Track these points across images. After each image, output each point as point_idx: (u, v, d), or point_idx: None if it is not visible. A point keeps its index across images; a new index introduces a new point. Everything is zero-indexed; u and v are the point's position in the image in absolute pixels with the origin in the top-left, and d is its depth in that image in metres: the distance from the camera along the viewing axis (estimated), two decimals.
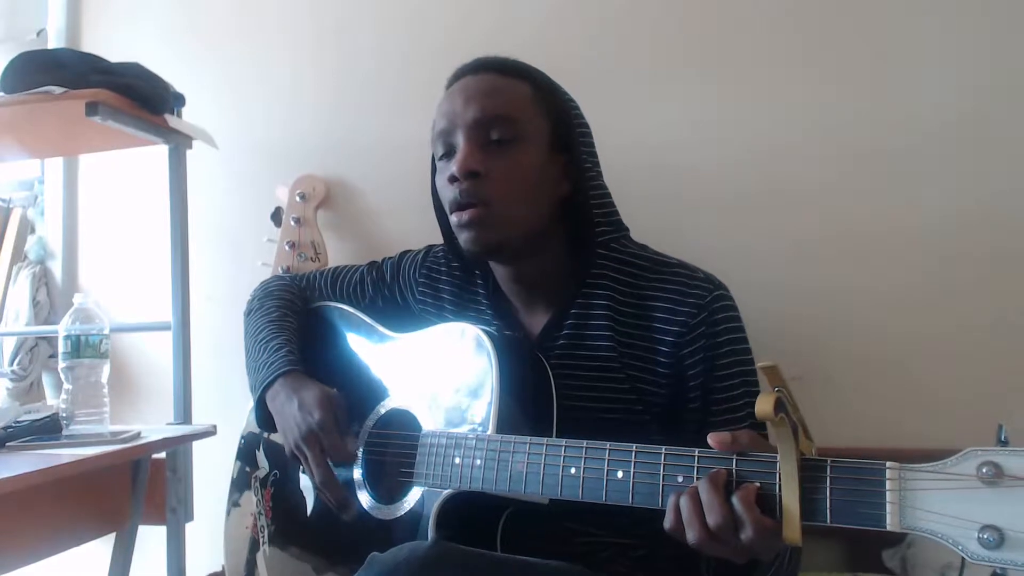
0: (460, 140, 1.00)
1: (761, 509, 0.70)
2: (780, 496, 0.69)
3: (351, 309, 1.22)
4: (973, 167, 1.45)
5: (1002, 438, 0.60)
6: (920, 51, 1.48)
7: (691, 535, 0.72)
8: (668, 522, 0.75)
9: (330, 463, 1.01)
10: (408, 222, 1.73)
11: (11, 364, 1.90)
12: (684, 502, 0.73)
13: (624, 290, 1.01)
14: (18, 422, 1.34)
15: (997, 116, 1.44)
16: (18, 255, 2.04)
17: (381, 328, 1.15)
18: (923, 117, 1.47)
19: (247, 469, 1.23)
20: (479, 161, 0.98)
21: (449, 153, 1.02)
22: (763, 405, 0.64)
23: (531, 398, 0.95)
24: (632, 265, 1.02)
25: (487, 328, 1.01)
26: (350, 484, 1.06)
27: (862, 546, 1.42)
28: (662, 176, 1.60)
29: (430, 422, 1.00)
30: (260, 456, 1.22)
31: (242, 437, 1.27)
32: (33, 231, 2.06)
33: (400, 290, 1.22)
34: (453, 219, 1.01)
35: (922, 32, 1.48)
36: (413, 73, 1.77)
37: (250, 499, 1.21)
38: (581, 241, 1.04)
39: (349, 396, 1.08)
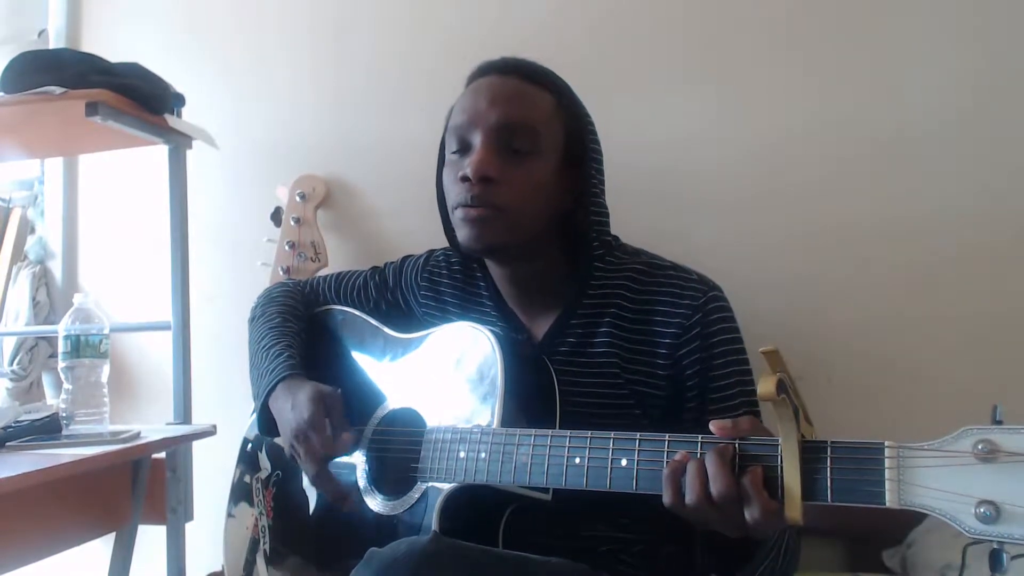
0: (477, 141, 1.00)
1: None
2: (782, 476, 0.70)
3: (356, 312, 1.23)
4: (973, 163, 1.46)
5: (997, 418, 0.61)
6: (919, 49, 1.49)
7: (690, 497, 0.73)
8: (667, 494, 0.75)
9: (323, 458, 1.01)
10: (408, 222, 1.73)
11: (11, 364, 1.90)
12: (690, 467, 0.74)
13: (631, 296, 1.02)
14: (18, 422, 1.34)
15: (996, 113, 1.45)
16: (18, 255, 2.04)
17: (386, 329, 1.16)
18: (923, 115, 1.48)
19: (246, 478, 1.23)
20: (494, 167, 0.98)
21: (463, 149, 1.02)
22: (765, 386, 0.66)
23: (535, 399, 0.96)
24: (633, 272, 1.03)
25: (493, 328, 1.01)
26: (354, 481, 1.06)
27: (862, 546, 1.42)
28: (662, 175, 1.60)
29: (435, 421, 1.00)
30: (262, 457, 1.22)
31: (246, 440, 1.27)
32: (33, 231, 2.07)
33: (403, 294, 1.23)
34: (458, 213, 1.01)
35: (921, 30, 1.49)
36: (413, 73, 1.78)
37: (246, 510, 1.21)
38: (576, 252, 1.05)
39: (355, 397, 1.08)
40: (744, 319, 1.02)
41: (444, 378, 1.02)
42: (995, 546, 0.59)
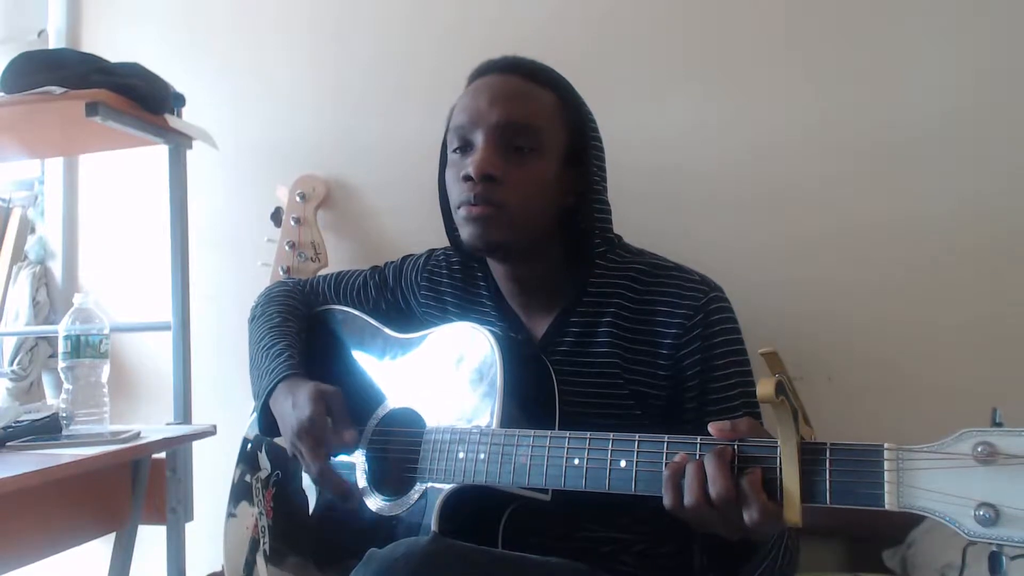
0: (479, 140, 1.00)
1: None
2: (781, 478, 0.70)
3: (355, 312, 1.23)
4: (972, 163, 1.45)
5: (996, 420, 0.61)
6: (918, 48, 1.49)
7: (688, 499, 0.74)
8: (667, 496, 0.75)
9: (326, 456, 1.01)
10: (408, 222, 1.73)
11: (11, 364, 1.91)
12: (689, 469, 0.74)
13: (631, 296, 1.02)
14: (18, 422, 1.34)
15: (996, 113, 1.45)
16: (18, 255, 2.04)
17: (385, 329, 1.16)
18: (921, 115, 1.48)
19: (247, 477, 1.23)
20: (496, 166, 0.98)
21: (465, 148, 1.02)
22: (764, 388, 0.66)
23: (535, 399, 0.96)
24: (634, 271, 1.03)
25: (492, 328, 1.01)
26: (353, 482, 1.06)
27: (862, 546, 1.42)
28: (662, 176, 1.60)
29: (433, 421, 1.00)
30: (262, 458, 1.22)
31: (246, 440, 1.27)
32: (33, 231, 2.07)
33: (402, 294, 1.23)
34: (460, 212, 1.01)
35: (919, 30, 1.49)
36: (413, 73, 1.78)
37: (247, 510, 1.21)
38: (577, 250, 1.05)
39: (354, 397, 1.08)
40: (744, 319, 1.02)
41: (443, 378, 1.02)
42: (994, 549, 0.59)
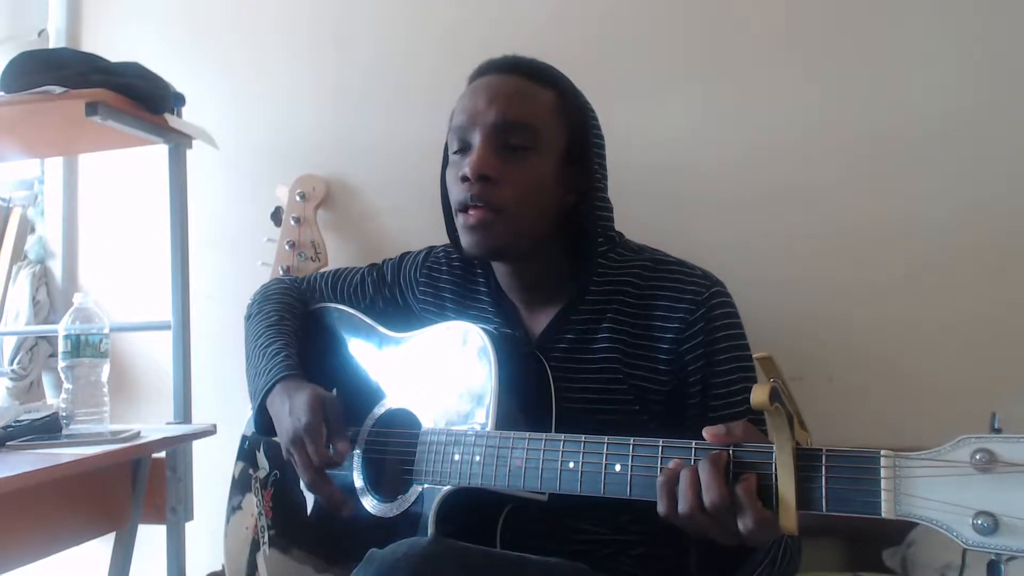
0: (477, 140, 0.99)
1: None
2: (776, 485, 0.69)
3: (351, 310, 1.22)
4: (972, 164, 1.46)
5: (995, 426, 0.60)
6: (917, 49, 1.49)
7: (683, 506, 0.73)
8: (661, 503, 0.75)
9: (319, 467, 1.00)
10: (408, 221, 1.73)
11: (11, 364, 1.91)
12: (684, 476, 0.73)
13: (631, 292, 1.02)
14: (18, 422, 1.34)
15: (997, 113, 1.45)
16: (18, 255, 2.04)
17: (381, 328, 1.16)
18: (921, 115, 1.48)
19: (249, 471, 1.23)
20: (493, 166, 0.97)
21: (464, 149, 1.02)
22: (758, 394, 0.65)
23: (530, 397, 0.96)
24: (636, 267, 1.03)
25: (487, 327, 1.01)
26: (349, 483, 1.06)
27: (862, 546, 1.42)
28: (662, 175, 1.60)
29: (429, 421, 1.00)
30: (260, 457, 1.22)
31: (244, 438, 1.27)
32: (33, 231, 2.07)
33: (400, 291, 1.23)
34: (459, 219, 1.01)
35: (919, 30, 1.49)
36: (413, 72, 1.78)
37: (251, 501, 1.21)
38: (579, 248, 1.04)
39: (349, 397, 1.08)
40: (744, 319, 1.01)
41: (438, 377, 1.01)
42: (992, 557, 0.58)
